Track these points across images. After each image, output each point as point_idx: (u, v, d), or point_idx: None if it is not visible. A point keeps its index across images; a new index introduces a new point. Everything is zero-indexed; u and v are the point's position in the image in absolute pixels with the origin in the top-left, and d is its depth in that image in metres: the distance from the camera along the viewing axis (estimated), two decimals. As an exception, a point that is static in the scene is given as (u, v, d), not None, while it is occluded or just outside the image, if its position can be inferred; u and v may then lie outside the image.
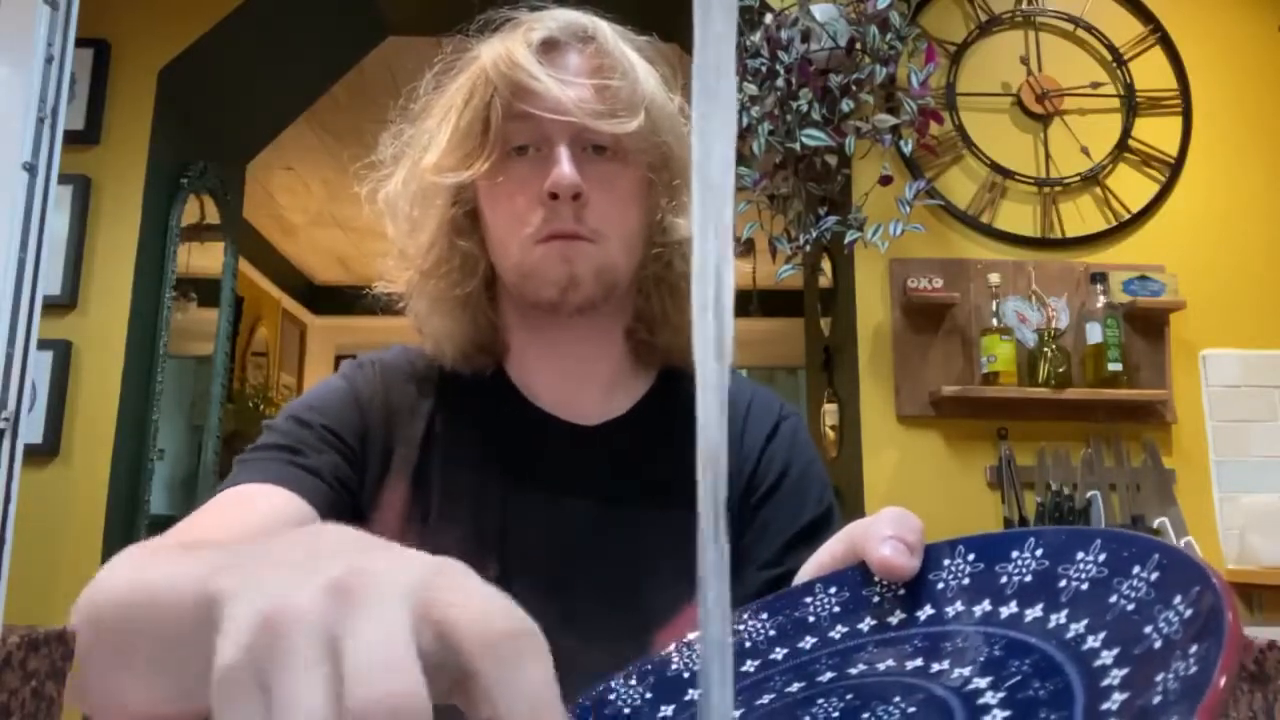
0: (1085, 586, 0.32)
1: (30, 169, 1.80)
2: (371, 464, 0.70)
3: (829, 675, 0.36)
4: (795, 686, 0.37)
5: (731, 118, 0.24)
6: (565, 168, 0.66)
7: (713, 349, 0.24)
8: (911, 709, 0.31)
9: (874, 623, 0.38)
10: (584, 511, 0.71)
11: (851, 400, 2.49)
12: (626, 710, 0.41)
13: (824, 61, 2.22)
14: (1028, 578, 0.34)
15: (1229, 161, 2.64)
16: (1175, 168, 2.60)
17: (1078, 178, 2.57)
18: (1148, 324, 2.49)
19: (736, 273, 0.25)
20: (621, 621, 0.60)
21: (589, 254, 0.68)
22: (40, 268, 1.80)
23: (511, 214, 0.69)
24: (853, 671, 0.36)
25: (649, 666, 0.42)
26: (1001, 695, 0.29)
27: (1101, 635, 0.29)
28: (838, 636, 0.39)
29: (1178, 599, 0.27)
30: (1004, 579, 0.35)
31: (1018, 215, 2.56)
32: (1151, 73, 2.67)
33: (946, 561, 0.38)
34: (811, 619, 0.40)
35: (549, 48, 0.69)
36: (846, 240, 2.24)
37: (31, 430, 2.25)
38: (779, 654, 0.40)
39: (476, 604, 0.24)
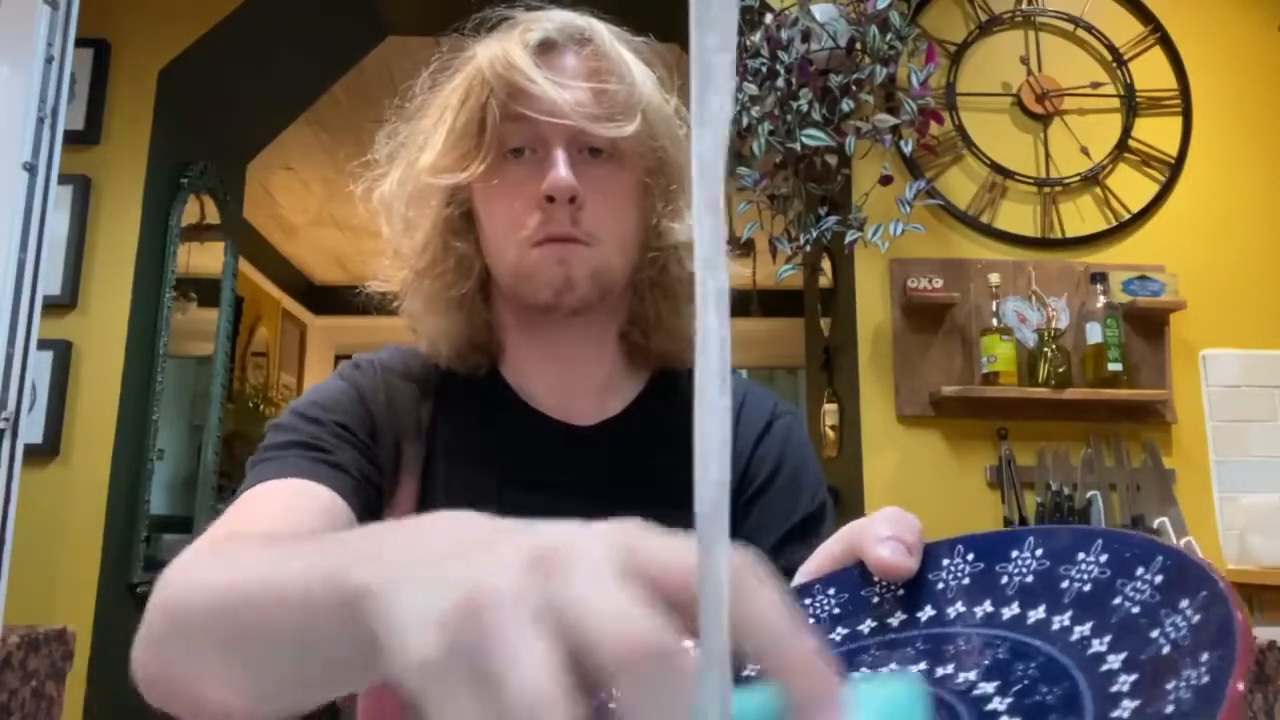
0: (1088, 588, 0.32)
1: (30, 169, 1.80)
2: (384, 461, 0.70)
3: None
4: None
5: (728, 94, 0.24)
6: (562, 171, 0.66)
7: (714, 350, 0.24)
8: None
9: (874, 624, 0.38)
10: (580, 512, 0.70)
11: (851, 400, 2.49)
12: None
13: (824, 61, 2.22)
14: (1029, 578, 0.34)
15: (1229, 161, 2.64)
16: (1175, 168, 2.60)
17: (1078, 178, 2.57)
18: (1148, 324, 2.48)
19: (736, 275, 0.25)
20: None
21: (584, 257, 0.68)
22: (40, 268, 1.80)
23: (507, 216, 0.69)
24: (855, 675, 0.36)
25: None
26: (1009, 701, 0.29)
27: (1107, 639, 0.29)
28: (838, 638, 0.38)
29: (1184, 603, 0.27)
30: (1005, 579, 0.35)
31: (1018, 215, 2.56)
32: (1151, 73, 2.66)
33: (946, 561, 0.38)
34: (811, 620, 0.40)
35: (546, 49, 0.69)
36: (846, 240, 2.24)
37: (31, 430, 2.25)
38: None
39: (672, 547, 0.24)
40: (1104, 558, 0.32)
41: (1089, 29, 2.68)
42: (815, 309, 2.81)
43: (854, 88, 2.20)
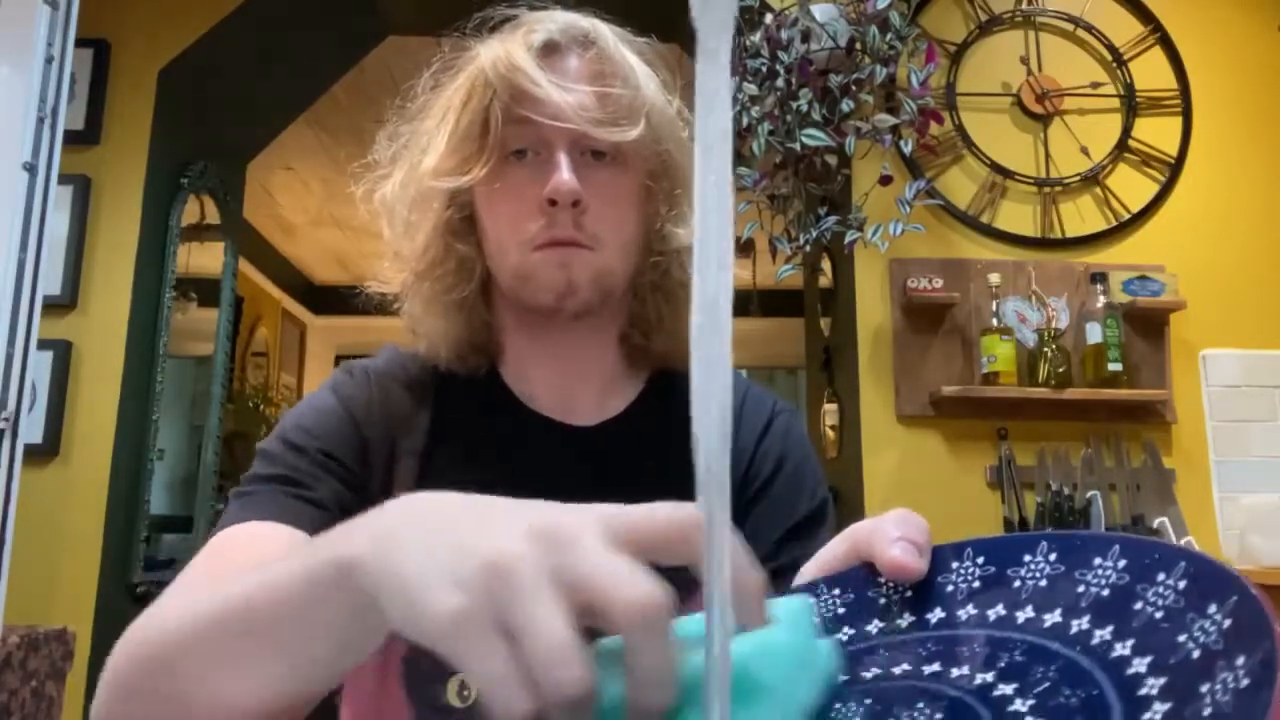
0: (1106, 593, 0.31)
1: (30, 169, 1.80)
2: (373, 480, 0.69)
3: (840, 678, 0.36)
4: None
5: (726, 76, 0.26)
6: (565, 175, 0.66)
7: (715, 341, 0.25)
8: (939, 715, 0.31)
9: (881, 625, 0.38)
10: None
11: (851, 400, 2.48)
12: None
13: (824, 61, 2.22)
14: (1042, 582, 0.34)
15: (1229, 161, 2.63)
16: (1175, 168, 2.60)
17: (1078, 178, 2.57)
18: (1148, 324, 2.48)
19: (736, 278, 0.27)
20: None
21: (587, 260, 0.68)
22: (40, 268, 1.80)
23: (510, 219, 0.69)
24: (866, 675, 0.35)
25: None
26: (1031, 702, 0.29)
27: (1130, 643, 0.29)
28: (845, 639, 0.38)
29: (1212, 608, 0.27)
30: (1017, 583, 0.35)
31: (1018, 215, 2.56)
32: (1151, 73, 2.66)
33: (955, 564, 0.37)
34: (816, 620, 0.40)
35: (549, 51, 0.69)
36: (846, 240, 2.24)
37: (31, 430, 2.25)
38: None
39: (656, 514, 0.29)
40: (1122, 563, 0.32)
41: (1089, 29, 2.68)
42: (815, 309, 2.81)
43: (854, 88, 2.20)
